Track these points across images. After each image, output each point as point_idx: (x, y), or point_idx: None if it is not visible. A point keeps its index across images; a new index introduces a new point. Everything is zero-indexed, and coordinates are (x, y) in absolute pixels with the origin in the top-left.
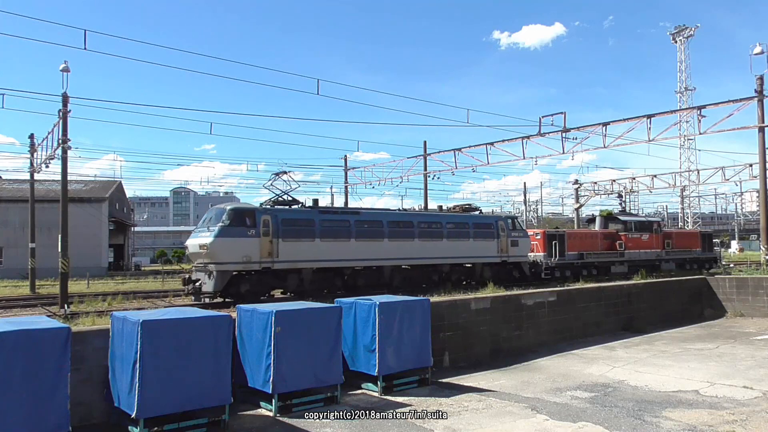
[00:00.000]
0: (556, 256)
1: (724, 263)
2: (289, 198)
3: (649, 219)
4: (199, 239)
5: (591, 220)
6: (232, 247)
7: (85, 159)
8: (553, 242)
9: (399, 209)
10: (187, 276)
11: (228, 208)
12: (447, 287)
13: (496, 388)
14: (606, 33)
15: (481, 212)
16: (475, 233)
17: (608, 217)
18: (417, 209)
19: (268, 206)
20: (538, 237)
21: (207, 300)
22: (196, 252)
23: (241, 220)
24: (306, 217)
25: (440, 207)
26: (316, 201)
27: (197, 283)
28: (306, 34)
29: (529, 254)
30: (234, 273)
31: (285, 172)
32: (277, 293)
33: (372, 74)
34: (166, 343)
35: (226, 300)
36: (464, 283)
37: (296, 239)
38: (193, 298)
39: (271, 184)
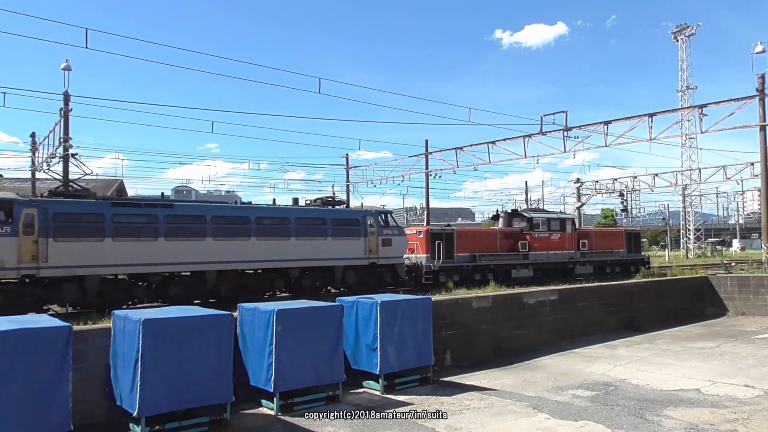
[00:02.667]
0: (440, 258)
1: (725, 262)
2: (77, 187)
3: (562, 216)
4: None
5: (496, 216)
6: None
7: (87, 158)
8: (437, 242)
9: (236, 202)
10: None
11: None
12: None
13: (498, 387)
14: (608, 32)
15: (348, 206)
16: (335, 231)
17: (512, 214)
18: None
19: (40, 197)
20: (420, 236)
21: None
22: None
23: None
24: (91, 211)
25: (295, 201)
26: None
27: None
28: (308, 34)
29: (410, 256)
30: None
31: (74, 155)
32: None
33: (374, 73)
34: (167, 341)
35: None
36: (323, 290)
37: (75, 239)
38: None
39: (49, 169)
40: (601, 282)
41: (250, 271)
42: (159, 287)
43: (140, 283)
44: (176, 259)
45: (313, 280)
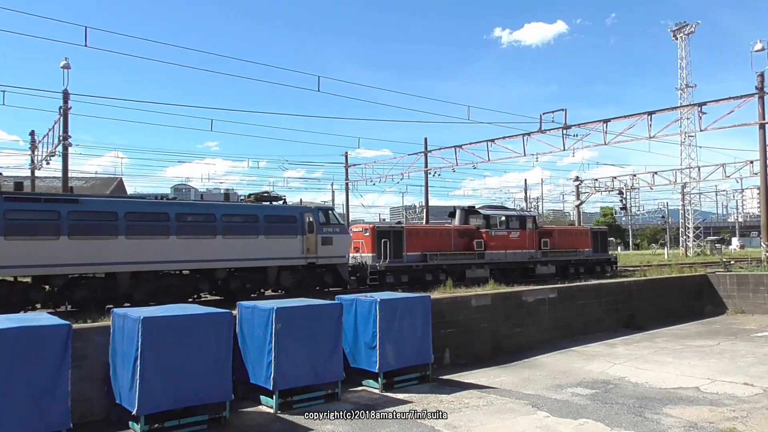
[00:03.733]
0: (387, 258)
1: (724, 260)
2: None
3: (521, 214)
4: None
5: (452, 213)
6: None
7: (87, 156)
8: (383, 240)
9: (155, 197)
10: None
11: None
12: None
13: (497, 385)
14: (608, 31)
15: (285, 203)
16: (268, 228)
17: (468, 211)
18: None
19: None
20: (366, 234)
21: None
22: None
23: None
24: None
25: (226, 196)
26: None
27: None
28: (307, 32)
29: (356, 255)
30: None
31: None
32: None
33: (373, 71)
34: (166, 339)
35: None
36: (254, 294)
37: None
38: None
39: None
40: (601, 280)
41: (172, 273)
42: (63, 290)
43: (43, 286)
44: (82, 259)
45: (243, 281)
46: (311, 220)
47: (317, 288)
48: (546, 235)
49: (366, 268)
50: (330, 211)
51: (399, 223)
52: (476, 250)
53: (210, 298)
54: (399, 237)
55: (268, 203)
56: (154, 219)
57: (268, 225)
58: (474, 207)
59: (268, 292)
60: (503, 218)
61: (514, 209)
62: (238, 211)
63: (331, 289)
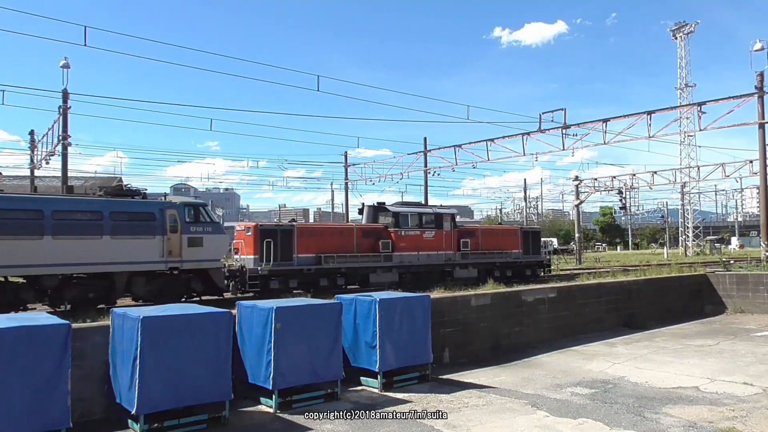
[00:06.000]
0: (270, 261)
1: (724, 259)
2: None
3: (437, 211)
4: None
5: (361, 210)
6: None
7: (87, 156)
8: (266, 240)
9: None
10: None
11: None
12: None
13: (497, 385)
14: (608, 30)
15: (145, 197)
16: (116, 227)
17: (378, 208)
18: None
19: None
20: (248, 233)
21: None
22: None
23: None
24: None
25: (69, 188)
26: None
27: None
28: (306, 31)
29: (243, 257)
30: None
31: None
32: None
33: (372, 71)
34: (166, 339)
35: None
36: (101, 306)
37: None
38: None
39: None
40: (601, 280)
41: None
42: None
43: None
44: None
45: (83, 290)
46: (175, 217)
47: (184, 298)
48: (467, 234)
49: (246, 273)
50: (201, 208)
51: (293, 221)
52: (382, 251)
53: (203, 298)
54: (288, 237)
55: (118, 198)
56: None
57: (115, 223)
58: (384, 204)
59: (127, 301)
60: (415, 216)
61: (429, 206)
62: (74, 207)
63: (203, 297)
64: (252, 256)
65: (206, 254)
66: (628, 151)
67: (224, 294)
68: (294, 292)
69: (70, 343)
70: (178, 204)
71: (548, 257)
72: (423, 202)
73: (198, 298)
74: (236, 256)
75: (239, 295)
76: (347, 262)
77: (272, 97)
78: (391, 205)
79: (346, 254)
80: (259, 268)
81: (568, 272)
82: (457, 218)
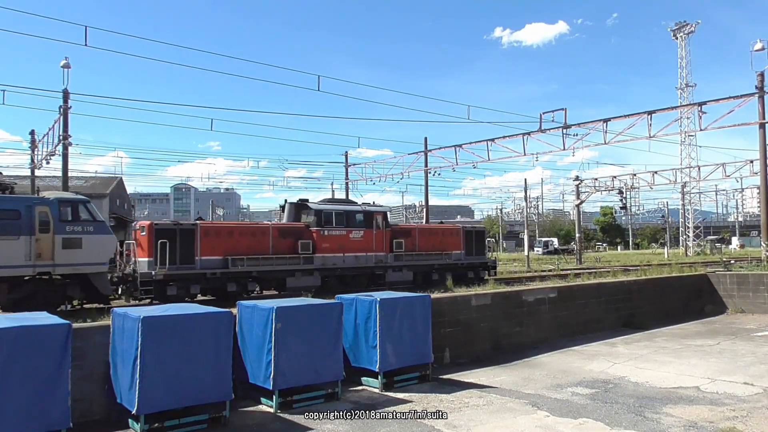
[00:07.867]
0: (166, 264)
1: (724, 259)
2: None
3: (366, 209)
4: None
5: (283, 208)
6: None
7: (87, 156)
8: (161, 241)
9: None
10: None
11: None
12: None
13: (497, 385)
14: (609, 30)
15: (12, 192)
16: None
17: (299, 205)
18: None
19: None
20: (143, 233)
21: None
22: None
23: None
24: None
25: None
26: None
27: None
28: (307, 31)
29: (140, 260)
30: None
31: None
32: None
33: (373, 70)
34: (166, 339)
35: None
36: (101, 306)
37: None
38: None
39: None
40: (601, 280)
41: None
42: None
43: None
44: None
45: None
46: (47, 215)
47: (60, 307)
48: (401, 234)
49: (139, 278)
50: (81, 204)
51: (199, 219)
52: (302, 253)
53: (202, 298)
54: (190, 237)
55: None
56: None
57: None
58: (306, 201)
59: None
60: (341, 214)
61: (358, 204)
62: None
63: (86, 305)
64: (146, 259)
65: (86, 257)
66: (628, 151)
67: (109, 302)
68: (199, 298)
69: (71, 343)
70: (51, 200)
71: (494, 258)
72: (355, 201)
73: (80, 306)
74: (132, 259)
75: (132, 302)
76: (260, 265)
77: (273, 97)
78: (313, 203)
79: (258, 256)
80: (153, 272)
81: (516, 275)
82: (458, 218)
